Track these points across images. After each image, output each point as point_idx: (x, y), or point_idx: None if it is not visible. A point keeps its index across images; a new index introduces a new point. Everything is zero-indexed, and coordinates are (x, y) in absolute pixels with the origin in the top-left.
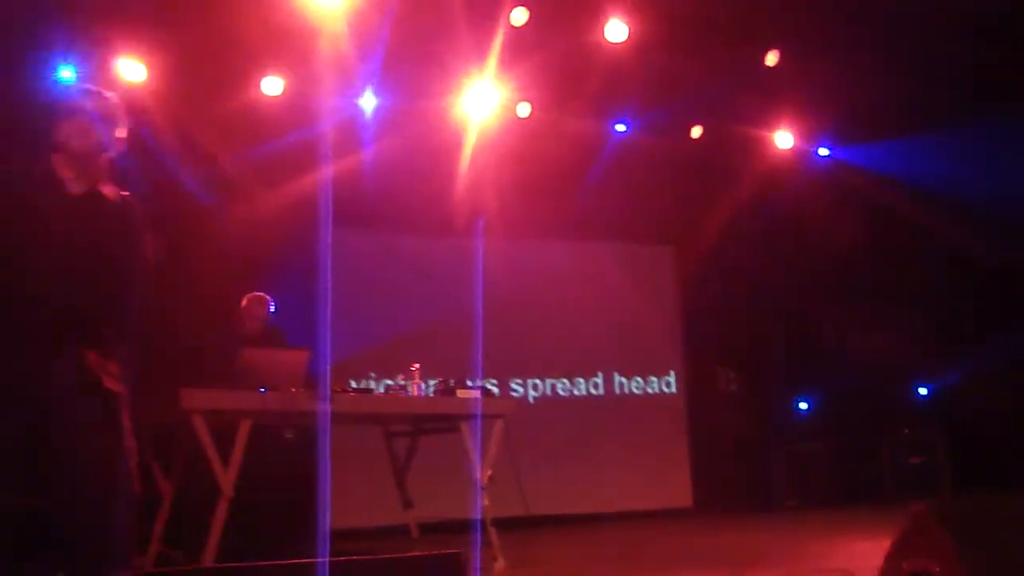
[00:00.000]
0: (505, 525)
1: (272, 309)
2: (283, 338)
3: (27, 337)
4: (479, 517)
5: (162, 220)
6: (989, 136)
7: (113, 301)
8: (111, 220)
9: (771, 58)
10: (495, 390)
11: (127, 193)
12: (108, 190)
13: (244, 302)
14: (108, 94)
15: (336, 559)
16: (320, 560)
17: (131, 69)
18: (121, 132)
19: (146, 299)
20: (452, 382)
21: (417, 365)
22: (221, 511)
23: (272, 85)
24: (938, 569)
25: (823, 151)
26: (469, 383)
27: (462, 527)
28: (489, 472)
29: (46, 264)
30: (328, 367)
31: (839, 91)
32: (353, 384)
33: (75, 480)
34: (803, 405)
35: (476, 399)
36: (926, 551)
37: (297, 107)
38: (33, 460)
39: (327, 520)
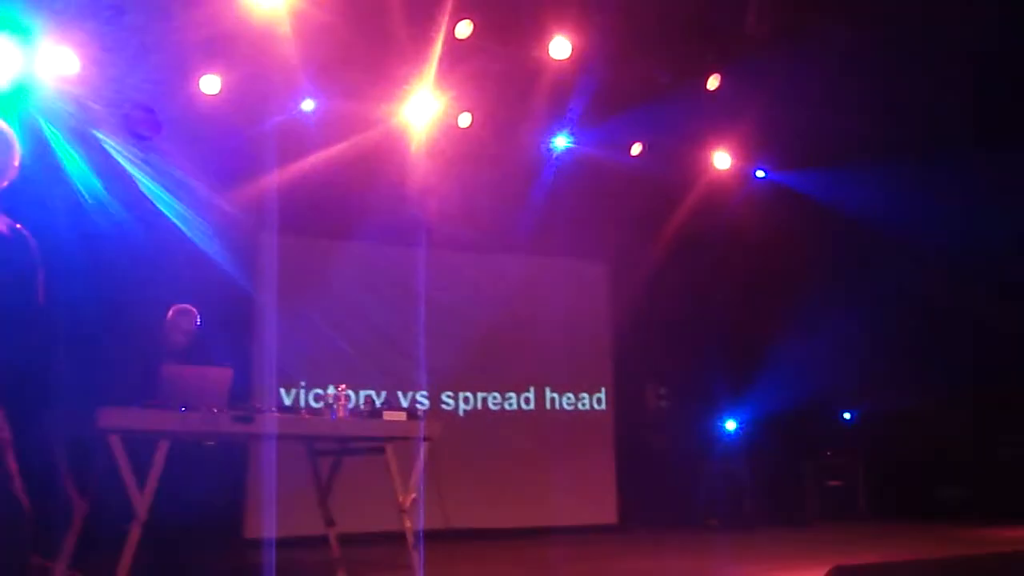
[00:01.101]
0: (426, 537)
1: (198, 322)
2: (209, 352)
3: None
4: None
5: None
6: (920, 170)
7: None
8: (7, 256)
9: (712, 82)
10: (425, 403)
11: (20, 227)
12: (2, 224)
13: (170, 314)
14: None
15: None
16: None
17: (64, 60)
18: (15, 160)
19: (33, 337)
20: (380, 402)
21: (343, 385)
22: (134, 534)
23: (210, 84)
24: None
25: (760, 173)
26: (400, 394)
27: (382, 539)
28: (413, 495)
29: None
30: (267, 382)
31: (777, 116)
32: (283, 392)
33: None
34: (730, 424)
35: (401, 423)
36: None
37: (236, 108)
38: None
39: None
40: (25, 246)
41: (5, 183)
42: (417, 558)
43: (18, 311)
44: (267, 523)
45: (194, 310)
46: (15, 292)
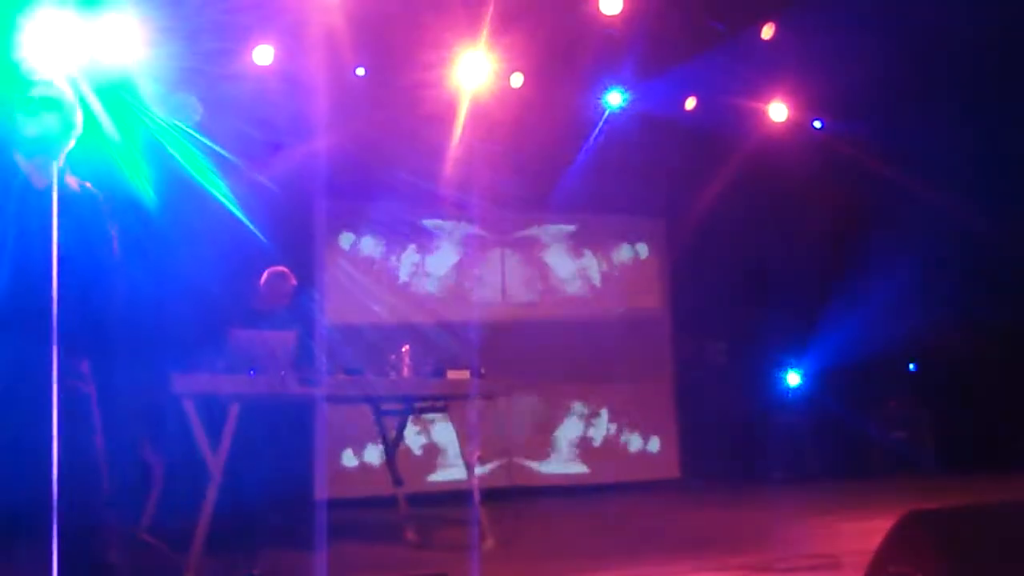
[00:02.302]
0: (491, 496)
1: (294, 283)
2: (307, 313)
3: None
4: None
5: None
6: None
7: (82, 297)
8: (77, 212)
9: (767, 31)
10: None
11: (89, 185)
12: (71, 181)
13: (264, 278)
14: (63, 84)
15: None
16: None
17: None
18: (78, 121)
19: (115, 288)
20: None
21: (406, 346)
22: (211, 496)
23: (263, 54)
24: (921, 575)
25: (816, 123)
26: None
27: (450, 499)
28: (478, 452)
29: (13, 263)
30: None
31: (834, 64)
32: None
33: (48, 477)
34: (792, 378)
35: (467, 380)
36: (911, 557)
37: (289, 77)
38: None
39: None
40: (95, 202)
41: (72, 143)
42: (483, 515)
43: (94, 266)
44: (318, 485)
45: (289, 272)
46: (89, 247)
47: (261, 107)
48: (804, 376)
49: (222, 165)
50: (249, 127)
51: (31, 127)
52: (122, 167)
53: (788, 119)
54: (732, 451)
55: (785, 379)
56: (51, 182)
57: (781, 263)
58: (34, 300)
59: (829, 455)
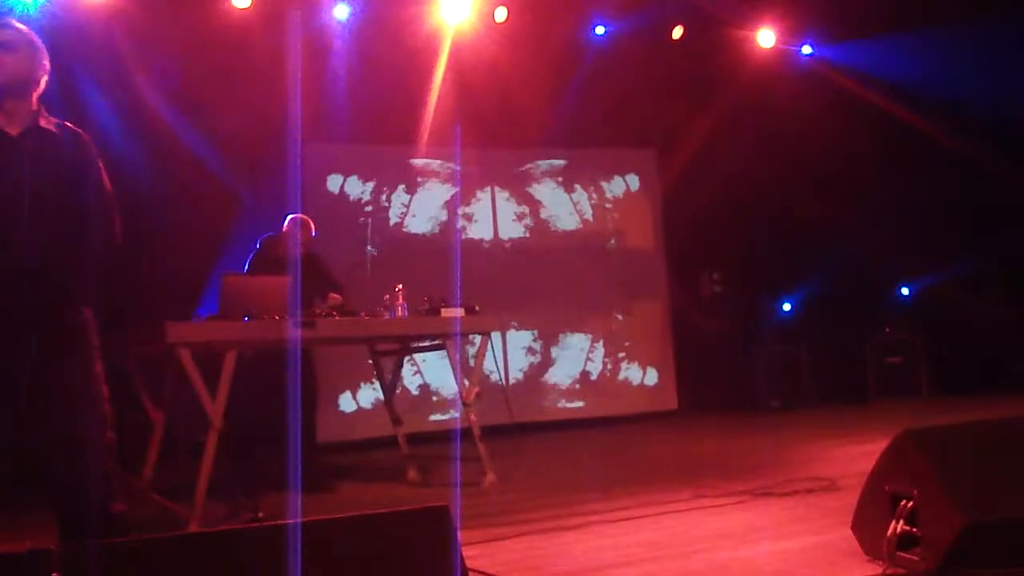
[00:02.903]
0: (491, 433)
1: (314, 232)
2: (325, 264)
3: None
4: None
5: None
6: (980, 35)
7: (75, 242)
8: (58, 154)
9: None
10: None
11: (70, 125)
12: (48, 124)
13: (286, 225)
14: (19, 25)
15: (318, 518)
16: (297, 521)
17: None
18: (43, 61)
19: (112, 229)
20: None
21: (400, 285)
22: (211, 442)
23: None
24: (916, 492)
25: (807, 49)
26: None
27: (449, 437)
28: (476, 389)
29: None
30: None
31: None
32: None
33: (48, 427)
34: (786, 307)
35: (460, 318)
36: (906, 475)
37: (268, 17)
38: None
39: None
40: (77, 140)
41: (42, 84)
42: (482, 451)
43: (81, 206)
44: (303, 427)
45: (309, 220)
46: (75, 187)
47: (241, 50)
48: (799, 304)
49: (201, 110)
50: (230, 70)
51: None
52: (104, 118)
53: (776, 45)
54: (729, 381)
55: (780, 308)
56: (27, 126)
57: (772, 192)
58: (22, 249)
59: (825, 382)
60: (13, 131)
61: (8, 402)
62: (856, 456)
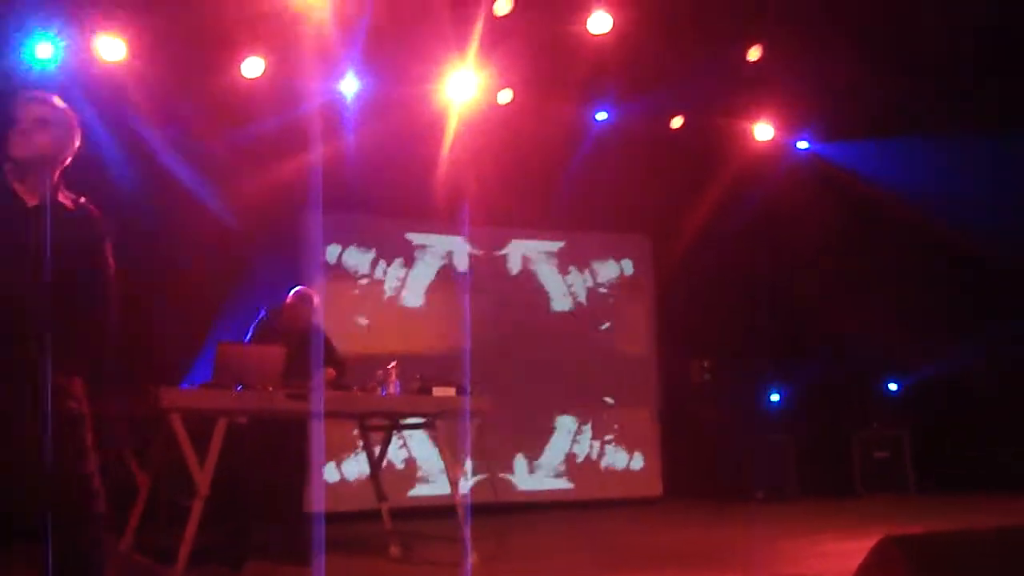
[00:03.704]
0: (476, 511)
1: (316, 306)
2: (328, 339)
3: None
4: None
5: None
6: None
7: (76, 316)
8: (69, 231)
9: (753, 53)
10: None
11: (84, 200)
12: (65, 198)
13: (290, 298)
14: (59, 103)
15: None
16: None
17: (110, 47)
18: (73, 139)
19: (110, 308)
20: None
21: (394, 363)
22: (196, 509)
23: (253, 66)
24: None
25: (802, 144)
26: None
27: (432, 513)
28: (463, 469)
29: (5, 281)
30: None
31: (819, 86)
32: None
33: (40, 499)
34: (775, 397)
35: (451, 398)
36: None
37: (278, 90)
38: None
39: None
40: (88, 217)
41: (67, 161)
42: (467, 531)
43: (89, 284)
44: (317, 498)
45: (313, 294)
46: (84, 265)
47: (250, 119)
48: (787, 395)
49: (212, 177)
50: (238, 139)
51: (22, 147)
52: (113, 177)
53: (773, 139)
54: (715, 469)
55: (769, 398)
56: (43, 201)
57: (765, 281)
58: (27, 319)
59: (812, 474)
60: (31, 201)
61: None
62: (844, 553)
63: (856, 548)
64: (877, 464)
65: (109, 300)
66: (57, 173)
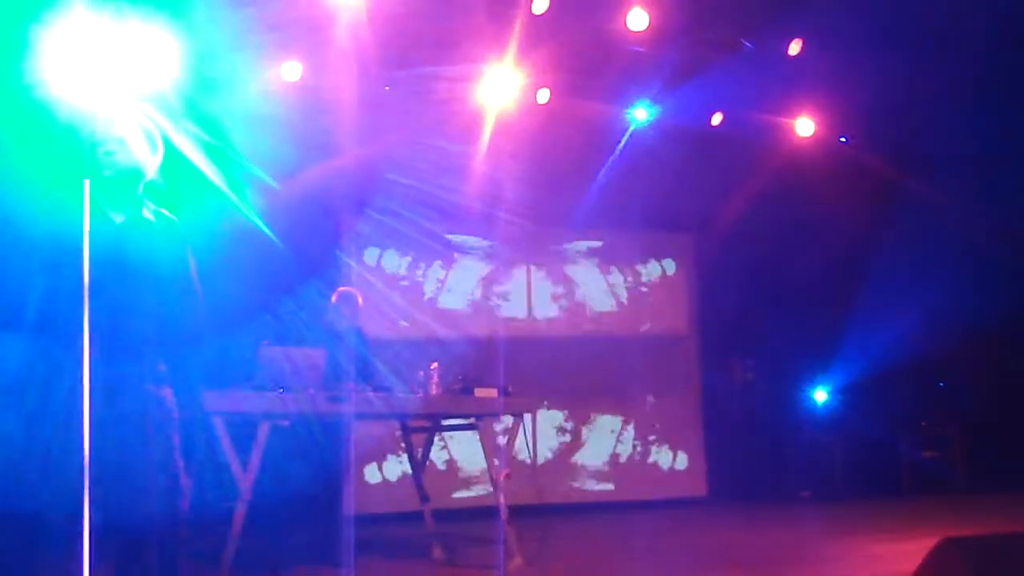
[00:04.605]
0: (518, 513)
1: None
2: (367, 340)
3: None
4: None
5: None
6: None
7: (165, 327)
8: (154, 244)
9: (794, 47)
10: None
11: (167, 212)
12: (147, 213)
13: (334, 298)
14: (140, 115)
15: None
16: None
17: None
18: (157, 153)
19: (195, 316)
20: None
21: (435, 364)
22: (240, 513)
23: (291, 70)
24: None
25: (843, 139)
26: None
27: (475, 516)
28: (506, 471)
29: (95, 293)
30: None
31: (861, 80)
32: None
33: (129, 496)
34: (820, 395)
35: (492, 399)
36: None
37: (316, 89)
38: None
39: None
40: (172, 228)
41: (149, 175)
42: (511, 533)
43: (172, 293)
44: (346, 500)
45: (357, 294)
46: (170, 277)
47: (288, 124)
48: (832, 393)
49: (249, 181)
50: (276, 143)
51: (110, 166)
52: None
53: (815, 134)
54: (760, 469)
55: (813, 396)
56: (128, 217)
57: (809, 279)
58: (119, 336)
59: (858, 474)
60: (117, 219)
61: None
62: (895, 555)
63: (906, 550)
64: (926, 463)
65: (196, 307)
66: (141, 186)
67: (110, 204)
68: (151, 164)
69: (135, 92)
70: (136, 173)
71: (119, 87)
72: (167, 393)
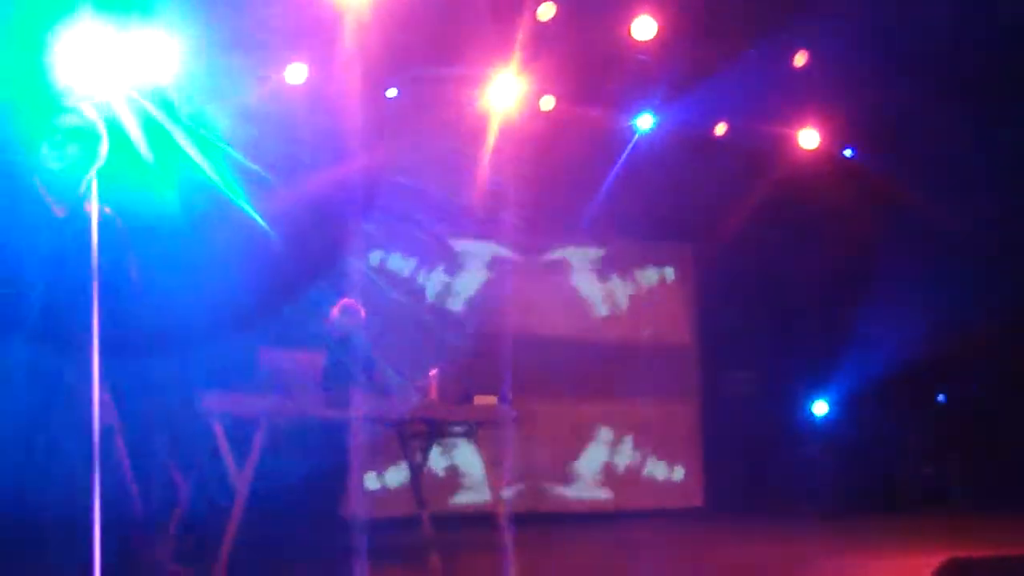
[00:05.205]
0: (514, 521)
1: (363, 317)
2: (365, 344)
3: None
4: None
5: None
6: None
7: (106, 320)
8: (98, 240)
9: (799, 59)
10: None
11: (109, 210)
12: (90, 208)
13: (335, 310)
14: (89, 112)
15: None
16: None
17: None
18: (102, 148)
19: (133, 313)
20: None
21: (435, 371)
22: (236, 513)
23: (295, 73)
24: None
25: (847, 152)
26: None
27: (472, 522)
28: (505, 478)
29: (35, 287)
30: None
31: (866, 93)
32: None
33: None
34: (819, 408)
35: (492, 407)
36: None
37: (321, 96)
38: None
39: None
40: (113, 228)
41: (93, 172)
42: (507, 540)
43: (114, 292)
44: (353, 502)
45: (359, 306)
46: (109, 275)
47: (292, 125)
48: (831, 406)
49: (253, 183)
50: (280, 145)
51: (55, 160)
52: (153, 185)
53: (819, 146)
54: (757, 482)
55: (811, 409)
56: (71, 211)
57: (809, 291)
58: (57, 325)
59: (855, 488)
60: (59, 213)
61: None
62: (893, 572)
63: (906, 567)
64: (923, 479)
65: (131, 306)
66: (83, 184)
67: (55, 197)
68: (97, 160)
69: (133, 88)
70: (83, 167)
71: (118, 83)
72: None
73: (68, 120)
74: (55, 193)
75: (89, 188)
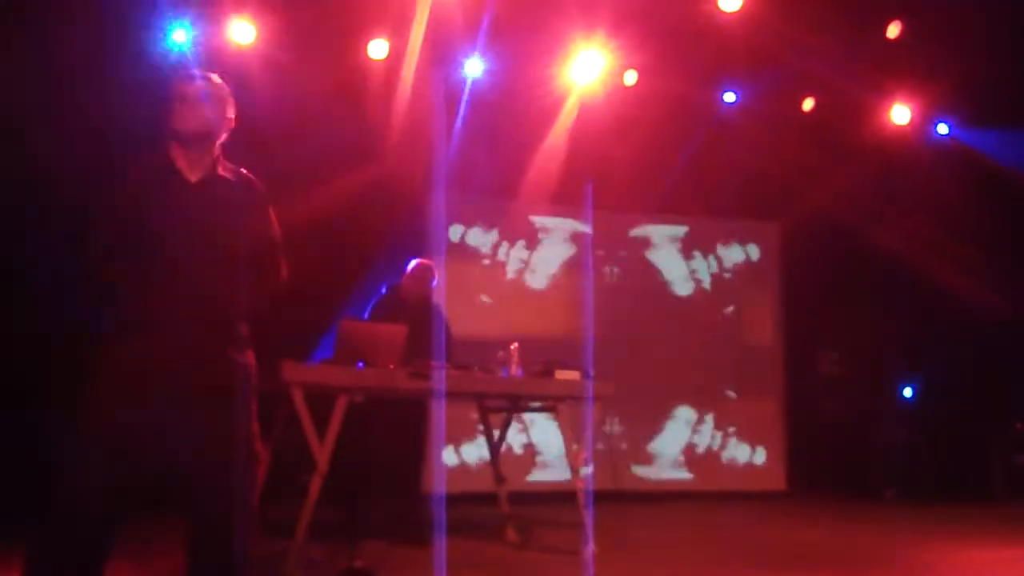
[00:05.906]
0: (595, 497)
1: (435, 281)
2: (443, 315)
3: (158, 324)
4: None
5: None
6: None
7: (238, 285)
8: (232, 203)
9: (892, 30)
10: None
11: (245, 172)
12: (226, 171)
13: (411, 269)
14: (215, 76)
15: None
16: None
17: (241, 30)
18: (230, 113)
19: (281, 274)
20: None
21: (516, 344)
22: (315, 487)
23: (378, 48)
24: None
25: (942, 128)
26: None
27: (549, 499)
28: (585, 455)
29: (173, 254)
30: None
31: (963, 68)
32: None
33: (203, 472)
34: (908, 392)
35: (573, 382)
36: None
37: (403, 70)
38: (171, 443)
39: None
40: (250, 187)
41: (225, 135)
42: (587, 517)
43: (260, 253)
44: (436, 476)
45: (433, 266)
46: (244, 234)
47: (374, 101)
48: (921, 389)
49: (338, 157)
50: (363, 118)
51: (189, 121)
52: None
53: (911, 122)
54: (842, 465)
55: (900, 392)
56: (204, 174)
57: (899, 271)
58: (195, 292)
59: (946, 475)
60: (193, 177)
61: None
62: (990, 564)
63: (997, 558)
64: (1018, 468)
65: (280, 266)
66: (217, 146)
67: (187, 162)
68: (227, 124)
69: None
70: (213, 134)
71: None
72: (251, 359)
73: (199, 84)
74: (190, 156)
75: (221, 151)
